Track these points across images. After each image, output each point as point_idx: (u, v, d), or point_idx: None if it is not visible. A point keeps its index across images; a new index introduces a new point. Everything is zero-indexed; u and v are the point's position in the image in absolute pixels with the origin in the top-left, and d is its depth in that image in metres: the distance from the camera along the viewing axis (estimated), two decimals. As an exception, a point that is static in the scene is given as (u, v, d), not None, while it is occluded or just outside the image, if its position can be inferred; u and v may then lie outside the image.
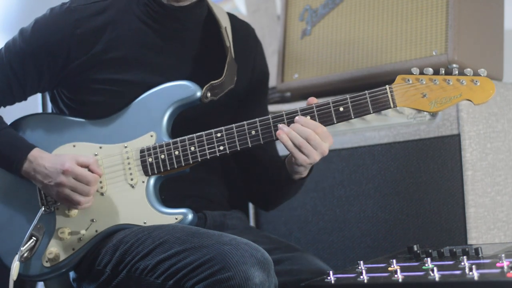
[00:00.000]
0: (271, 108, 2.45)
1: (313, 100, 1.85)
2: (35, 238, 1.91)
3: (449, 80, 1.77)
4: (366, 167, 2.27)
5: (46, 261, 1.92)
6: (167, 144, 1.89)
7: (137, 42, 1.96)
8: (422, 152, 2.18)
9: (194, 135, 1.88)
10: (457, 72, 1.77)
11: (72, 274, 2.00)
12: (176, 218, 1.88)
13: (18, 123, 2.00)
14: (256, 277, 1.65)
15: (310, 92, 2.41)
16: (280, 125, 1.83)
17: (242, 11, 3.03)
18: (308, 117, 1.82)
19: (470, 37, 2.19)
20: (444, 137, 2.14)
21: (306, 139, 1.81)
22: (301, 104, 2.39)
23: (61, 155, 1.90)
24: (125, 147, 1.92)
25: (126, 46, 1.95)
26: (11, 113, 2.04)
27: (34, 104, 2.83)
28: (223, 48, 2.00)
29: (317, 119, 1.82)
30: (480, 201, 2.12)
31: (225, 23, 2.05)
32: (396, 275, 1.56)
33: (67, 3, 1.97)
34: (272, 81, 2.53)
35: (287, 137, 1.81)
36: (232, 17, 2.13)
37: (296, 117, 1.83)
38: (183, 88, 1.93)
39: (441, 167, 2.14)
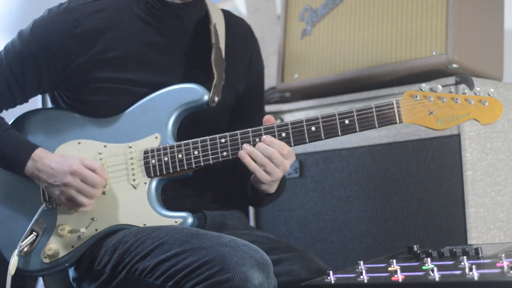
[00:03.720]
0: (271, 108, 2.45)
1: (269, 119, 1.86)
2: (35, 233, 1.91)
3: (457, 99, 1.75)
4: (366, 167, 2.27)
5: (45, 257, 1.92)
6: (171, 147, 1.89)
7: (137, 40, 1.96)
8: (422, 152, 2.18)
9: (199, 139, 1.88)
10: (466, 91, 1.76)
11: (72, 274, 2.00)
12: (176, 222, 1.88)
13: (24, 118, 2.00)
14: (255, 278, 1.65)
15: (310, 92, 2.42)
16: (244, 145, 1.83)
17: (242, 11, 3.03)
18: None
19: (470, 37, 2.19)
20: (444, 137, 2.14)
21: (269, 158, 1.82)
22: (301, 104, 2.41)
23: (67, 156, 1.90)
24: (130, 147, 1.92)
25: (126, 44, 1.95)
26: (11, 112, 2.04)
27: (34, 104, 2.83)
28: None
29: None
30: (480, 201, 2.12)
31: (217, 20, 2.05)
32: (396, 275, 1.56)
33: (65, 3, 1.96)
34: (272, 81, 2.53)
35: (249, 158, 1.82)
36: (227, 14, 2.13)
37: (263, 136, 1.83)
38: (191, 92, 1.92)
39: (441, 167, 2.14)
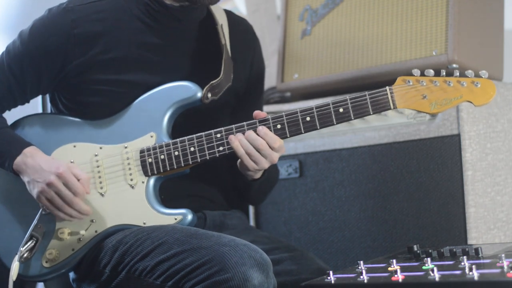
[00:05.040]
0: (271, 108, 2.45)
1: (259, 114, 1.86)
2: (35, 239, 1.91)
3: (449, 82, 1.76)
4: (366, 167, 2.27)
5: (46, 262, 1.92)
6: (167, 145, 1.89)
7: (136, 42, 1.96)
8: (422, 152, 2.18)
9: (194, 135, 1.88)
10: (458, 73, 1.77)
11: (71, 275, 2.00)
12: (176, 219, 1.88)
13: (19, 123, 2.00)
14: (254, 278, 1.65)
15: (310, 92, 2.42)
16: (237, 134, 1.84)
17: (242, 11, 3.03)
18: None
19: (470, 37, 2.19)
20: (444, 137, 2.14)
21: (257, 148, 1.82)
22: (301, 104, 2.40)
23: (59, 160, 1.90)
24: (125, 147, 1.92)
25: (125, 46, 1.95)
26: (11, 113, 2.04)
27: (34, 104, 2.83)
28: (220, 46, 2.00)
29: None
30: (480, 201, 2.11)
31: (221, 20, 2.05)
32: (396, 275, 1.56)
33: (64, 3, 1.96)
34: (272, 81, 2.53)
35: (237, 143, 1.83)
36: (229, 14, 2.13)
37: (259, 127, 1.83)
38: (183, 89, 1.93)
39: (441, 167, 2.14)
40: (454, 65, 2.14)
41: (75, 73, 1.94)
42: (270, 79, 2.51)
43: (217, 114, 2.04)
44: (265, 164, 1.85)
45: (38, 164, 1.88)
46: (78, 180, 1.87)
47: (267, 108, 2.43)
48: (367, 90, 2.26)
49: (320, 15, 2.42)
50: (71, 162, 1.93)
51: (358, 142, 2.29)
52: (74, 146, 1.95)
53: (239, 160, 1.90)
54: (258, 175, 1.96)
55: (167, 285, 1.75)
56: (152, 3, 1.96)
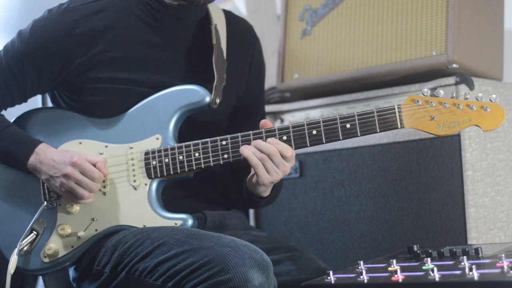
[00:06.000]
0: (271, 108, 2.45)
1: (266, 124, 1.85)
2: (35, 233, 1.91)
3: (459, 104, 1.74)
4: (366, 167, 2.27)
5: (45, 257, 1.92)
6: (172, 148, 1.88)
7: (136, 40, 1.96)
8: (422, 152, 2.18)
9: (200, 141, 1.87)
10: (468, 96, 1.75)
11: (72, 274, 2.01)
12: (176, 223, 1.87)
13: (25, 117, 2.00)
14: (255, 279, 1.65)
15: (310, 92, 2.42)
16: (245, 145, 1.82)
17: (242, 11, 3.03)
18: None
19: (470, 37, 2.19)
20: (444, 137, 2.14)
21: (269, 155, 1.80)
22: (301, 104, 2.41)
23: (70, 150, 1.90)
24: (131, 148, 1.92)
25: (126, 45, 1.95)
26: (11, 111, 2.04)
27: (34, 104, 2.83)
28: (211, 47, 2.00)
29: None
30: (480, 201, 2.12)
31: (218, 20, 2.05)
32: (396, 275, 1.56)
33: (65, 3, 1.96)
34: (272, 81, 2.53)
35: (250, 152, 1.81)
36: (228, 14, 2.13)
37: (269, 139, 1.82)
38: (192, 93, 1.92)
39: (441, 167, 2.14)
40: (454, 65, 2.14)
41: (76, 73, 1.94)
42: (270, 79, 2.52)
43: (221, 115, 2.03)
44: (279, 175, 1.82)
45: (51, 159, 1.88)
46: (95, 164, 1.87)
47: (267, 108, 2.43)
48: (366, 90, 2.28)
49: (320, 15, 2.42)
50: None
51: (358, 142, 2.29)
52: (80, 143, 1.95)
53: (248, 176, 1.88)
54: (267, 192, 1.94)
55: (167, 286, 1.75)
56: (151, 2, 1.96)
